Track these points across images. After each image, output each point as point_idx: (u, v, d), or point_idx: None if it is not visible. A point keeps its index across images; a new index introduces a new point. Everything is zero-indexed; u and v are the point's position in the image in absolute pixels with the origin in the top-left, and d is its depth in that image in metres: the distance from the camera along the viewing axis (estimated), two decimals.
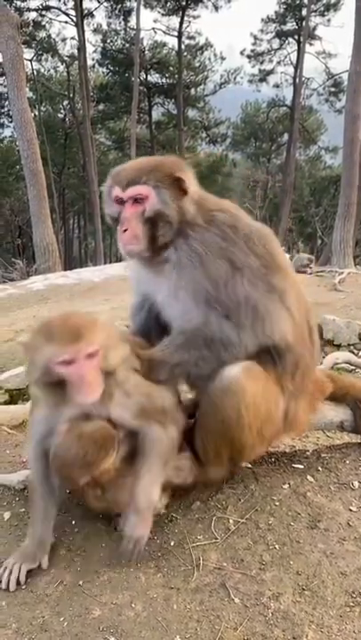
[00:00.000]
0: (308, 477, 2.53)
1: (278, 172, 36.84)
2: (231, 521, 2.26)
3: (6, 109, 35.13)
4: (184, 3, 32.90)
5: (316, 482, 2.50)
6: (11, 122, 34.90)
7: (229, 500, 2.40)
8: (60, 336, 1.86)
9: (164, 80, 36.68)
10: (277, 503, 2.37)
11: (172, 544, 2.15)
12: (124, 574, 2.00)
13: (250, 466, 2.63)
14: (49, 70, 37.47)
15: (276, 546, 2.13)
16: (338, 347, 6.31)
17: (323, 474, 2.56)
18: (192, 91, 36.74)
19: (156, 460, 2.07)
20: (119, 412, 2.03)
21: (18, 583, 1.98)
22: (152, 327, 2.50)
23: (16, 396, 4.46)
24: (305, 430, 2.72)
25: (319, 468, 2.61)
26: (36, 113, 31.65)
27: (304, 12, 31.42)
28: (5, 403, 4.32)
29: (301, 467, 2.64)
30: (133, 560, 2.01)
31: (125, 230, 2.20)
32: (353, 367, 4.75)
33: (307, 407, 2.44)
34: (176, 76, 34.69)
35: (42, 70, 36.54)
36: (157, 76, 36.79)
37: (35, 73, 34.12)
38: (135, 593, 1.91)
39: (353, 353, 5.59)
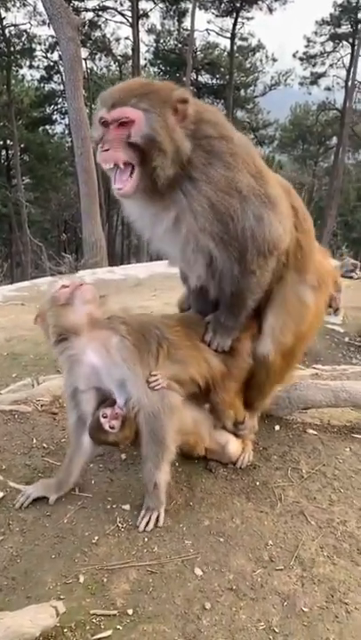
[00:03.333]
0: None
1: (325, 175, 36.83)
2: (304, 471, 2.84)
3: (59, 106, 36.51)
4: (238, 4, 33.30)
5: None
6: (62, 118, 36.31)
7: (301, 456, 2.96)
8: None
9: (214, 81, 37.24)
10: (341, 461, 2.93)
11: (257, 484, 2.73)
12: (222, 500, 2.59)
13: (316, 433, 3.18)
14: (101, 69, 38.58)
15: (341, 490, 2.70)
16: None
17: None
18: (242, 92, 37.15)
19: (153, 441, 2.36)
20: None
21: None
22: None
23: None
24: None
25: None
26: (87, 111, 32.69)
27: (360, 15, 31.39)
28: None
29: (360, 436, 3.17)
30: (142, 530, 2.37)
31: (106, 150, 2.08)
32: None
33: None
34: (227, 76, 35.14)
35: (94, 69, 37.64)
36: (208, 76, 37.36)
37: (88, 72, 35.15)
38: (234, 512, 2.50)
39: None
